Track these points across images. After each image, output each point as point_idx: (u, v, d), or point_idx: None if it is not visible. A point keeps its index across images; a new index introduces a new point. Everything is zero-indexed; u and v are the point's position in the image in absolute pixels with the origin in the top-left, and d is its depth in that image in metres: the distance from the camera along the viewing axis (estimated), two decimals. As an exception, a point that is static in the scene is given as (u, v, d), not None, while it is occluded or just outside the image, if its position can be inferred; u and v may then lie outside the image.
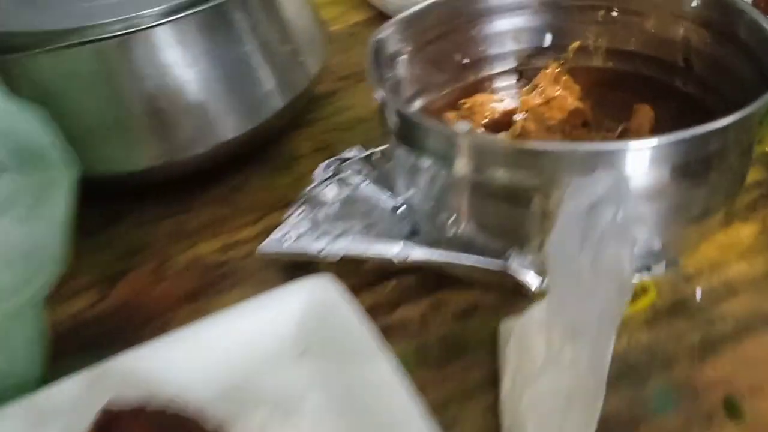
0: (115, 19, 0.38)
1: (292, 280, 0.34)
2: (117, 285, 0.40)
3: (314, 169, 0.42)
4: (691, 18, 0.42)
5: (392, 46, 0.42)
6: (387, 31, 0.41)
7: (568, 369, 0.27)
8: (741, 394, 0.30)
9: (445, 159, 0.35)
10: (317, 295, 0.34)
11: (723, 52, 0.40)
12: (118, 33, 0.38)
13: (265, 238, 0.39)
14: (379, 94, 0.36)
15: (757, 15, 0.38)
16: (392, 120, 0.37)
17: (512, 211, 0.35)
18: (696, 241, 0.36)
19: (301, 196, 0.41)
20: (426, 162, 0.36)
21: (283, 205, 0.42)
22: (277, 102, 0.44)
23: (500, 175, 0.34)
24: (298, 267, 0.38)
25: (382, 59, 0.41)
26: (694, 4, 0.41)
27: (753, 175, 0.40)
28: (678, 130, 0.41)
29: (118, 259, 0.42)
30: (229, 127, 0.43)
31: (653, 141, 0.32)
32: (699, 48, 0.42)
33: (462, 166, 0.34)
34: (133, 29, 0.38)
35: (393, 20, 0.42)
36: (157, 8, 0.39)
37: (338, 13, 0.63)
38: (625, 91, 0.45)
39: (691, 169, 0.33)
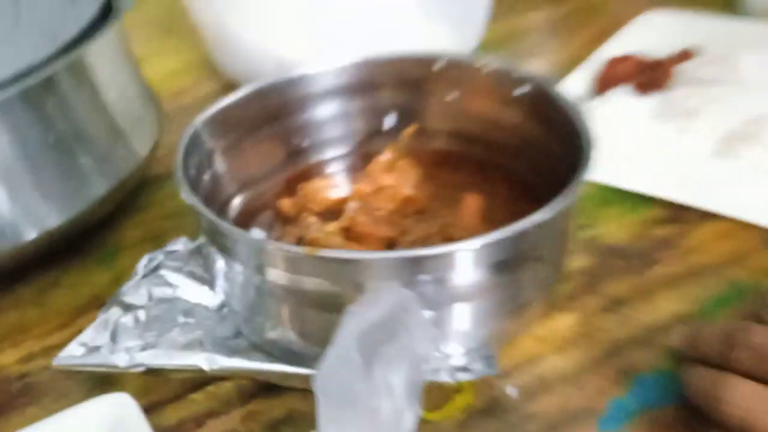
0: None
1: (94, 396, 0.32)
2: None
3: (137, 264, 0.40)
4: (518, 104, 0.43)
5: (213, 136, 0.41)
6: (204, 121, 0.40)
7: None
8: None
9: (253, 265, 0.33)
10: (111, 416, 0.31)
11: (545, 136, 0.41)
12: None
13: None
14: (186, 195, 0.35)
15: (567, 100, 0.38)
16: (203, 225, 0.35)
17: (326, 317, 0.33)
18: (513, 335, 0.36)
19: (116, 295, 0.38)
20: (237, 267, 0.34)
21: (99, 304, 0.39)
22: (97, 189, 0.42)
23: (308, 282, 0.32)
24: (97, 382, 0.36)
25: (199, 151, 0.39)
26: (519, 91, 0.42)
27: (577, 262, 0.41)
28: (506, 217, 0.42)
29: None
30: (39, 221, 0.40)
31: (452, 247, 0.31)
32: (527, 132, 0.43)
33: (271, 273, 0.33)
34: None
35: (215, 108, 0.40)
36: None
37: (189, 83, 0.62)
38: (462, 175, 0.45)
39: (509, 266, 0.33)
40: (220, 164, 0.41)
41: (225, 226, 0.34)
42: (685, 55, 0.51)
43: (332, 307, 0.32)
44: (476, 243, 0.31)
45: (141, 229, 0.46)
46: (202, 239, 0.37)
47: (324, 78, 0.44)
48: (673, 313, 0.37)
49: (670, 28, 0.59)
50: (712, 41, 0.53)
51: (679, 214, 0.43)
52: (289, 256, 0.32)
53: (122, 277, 0.41)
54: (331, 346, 0.26)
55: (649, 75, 0.51)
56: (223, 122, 0.41)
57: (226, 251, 0.34)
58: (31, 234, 0.40)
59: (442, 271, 0.31)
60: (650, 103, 0.50)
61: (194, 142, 0.39)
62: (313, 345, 0.34)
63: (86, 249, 0.44)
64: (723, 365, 0.30)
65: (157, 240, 0.44)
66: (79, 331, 0.38)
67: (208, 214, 0.35)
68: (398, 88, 0.46)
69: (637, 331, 0.37)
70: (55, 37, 0.41)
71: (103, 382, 0.35)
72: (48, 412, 0.32)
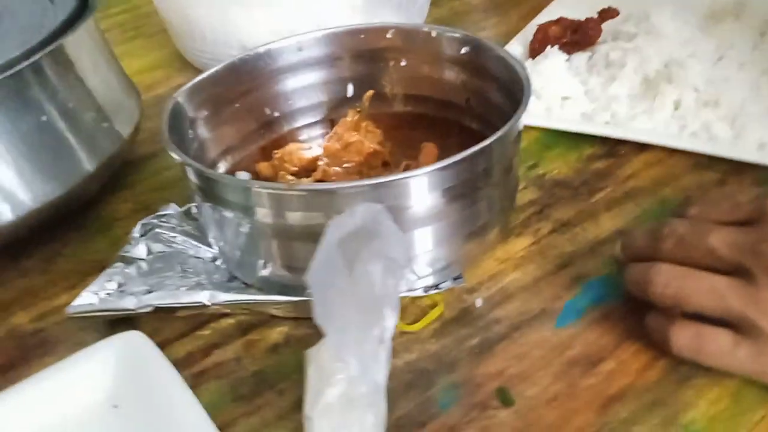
0: None
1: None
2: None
3: (131, 231, 0.44)
4: (463, 63, 0.48)
5: (193, 107, 0.45)
6: (186, 92, 0.44)
7: (347, 379, 0.30)
8: (512, 384, 0.34)
9: (245, 209, 0.37)
10: (126, 351, 0.35)
11: (489, 90, 0.46)
12: None
13: (83, 302, 0.40)
14: (177, 155, 0.39)
15: (501, 51, 0.44)
16: (193, 179, 0.39)
17: (311, 248, 0.37)
18: (476, 256, 0.41)
19: (118, 256, 0.42)
20: (228, 213, 0.38)
21: (101, 268, 0.43)
22: (85, 167, 0.45)
23: (295, 217, 0.37)
24: (114, 326, 0.39)
25: (182, 121, 0.43)
26: (462, 51, 0.47)
27: (527, 195, 0.46)
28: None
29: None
30: (34, 196, 0.43)
31: (418, 171, 0.36)
32: (474, 88, 0.48)
33: (261, 214, 0.37)
34: None
35: (187, 85, 0.44)
36: None
37: (163, 76, 0.66)
38: (420, 132, 0.50)
39: (460, 191, 0.37)
40: (202, 132, 0.45)
41: (214, 173, 0.38)
42: (608, 13, 0.57)
43: (316, 237, 0.37)
44: (429, 168, 0.35)
45: (131, 202, 0.50)
46: (194, 197, 0.41)
47: (289, 52, 0.49)
48: (614, 229, 0.43)
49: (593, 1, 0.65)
50: (628, 3, 0.59)
51: (614, 149, 0.49)
52: (274, 194, 0.37)
53: (119, 243, 0.45)
54: (317, 250, 0.30)
55: (578, 34, 0.57)
56: (201, 94, 0.45)
57: (216, 200, 0.38)
58: (29, 206, 0.43)
59: (403, 197, 0.36)
60: (581, 59, 0.56)
61: (177, 111, 0.43)
62: (301, 276, 0.38)
63: (83, 223, 0.48)
64: (653, 257, 0.35)
65: (146, 210, 0.47)
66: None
67: (198, 165, 0.39)
68: (356, 58, 0.50)
69: (584, 245, 0.42)
70: (38, 31, 0.45)
71: (113, 328, 0.38)
72: (63, 358, 0.35)
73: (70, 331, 0.40)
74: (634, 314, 0.37)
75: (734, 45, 0.52)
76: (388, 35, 0.50)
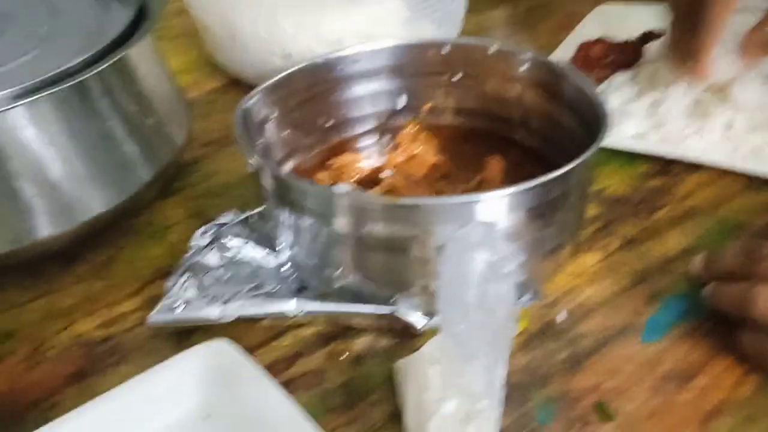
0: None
1: (184, 349, 0.34)
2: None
3: (188, 237, 0.42)
4: (523, 80, 0.48)
5: (259, 113, 0.44)
6: (253, 99, 0.43)
7: (466, 394, 0.30)
8: (609, 399, 0.34)
9: (326, 217, 0.37)
10: (216, 360, 0.34)
11: (552, 109, 0.47)
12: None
13: (148, 310, 0.38)
14: (254, 160, 0.38)
15: (576, 76, 0.44)
16: (269, 184, 0.39)
17: (393, 260, 0.37)
18: (552, 272, 0.41)
19: (182, 264, 0.41)
20: (307, 221, 0.37)
21: (161, 274, 0.42)
22: (144, 174, 0.44)
23: (379, 229, 0.36)
24: (185, 335, 0.38)
25: (250, 126, 0.43)
26: (523, 68, 0.48)
27: (590, 211, 0.47)
28: (521, 177, 0.47)
29: (-16, 349, 0.39)
30: (94, 203, 0.42)
31: (507, 191, 0.36)
32: (532, 106, 0.48)
33: (342, 223, 0.36)
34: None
35: (257, 89, 0.44)
36: (9, 90, 0.38)
37: (192, 80, 0.64)
38: (474, 145, 0.50)
39: (542, 210, 0.38)
40: (270, 134, 0.44)
41: (296, 180, 0.37)
42: (650, 36, 0.59)
43: (398, 250, 0.36)
44: (516, 188, 0.35)
45: (182, 207, 0.48)
46: (265, 202, 0.40)
47: (346, 63, 0.48)
48: (680, 248, 0.43)
49: (624, 17, 0.66)
50: (661, 26, 0.61)
51: (667, 168, 0.50)
52: (361, 205, 0.36)
53: (175, 250, 0.44)
54: (440, 266, 0.30)
55: (620, 54, 0.58)
56: (265, 101, 0.44)
57: (294, 206, 0.38)
58: (87, 215, 0.42)
59: (488, 215, 0.35)
60: (623, 78, 0.57)
61: (246, 116, 0.42)
62: (380, 286, 0.38)
63: (135, 228, 0.46)
64: (748, 276, 0.35)
65: (198, 216, 0.47)
66: (149, 298, 0.41)
67: (280, 172, 0.38)
68: (411, 71, 0.50)
69: (653, 262, 0.43)
70: (98, 37, 0.43)
71: (186, 336, 0.37)
72: (141, 368, 0.33)
73: (142, 339, 0.38)
74: (719, 331, 0.37)
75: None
76: (444, 50, 0.50)
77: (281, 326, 0.39)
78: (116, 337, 0.39)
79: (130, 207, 0.44)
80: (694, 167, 0.49)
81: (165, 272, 0.41)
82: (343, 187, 0.44)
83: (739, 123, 0.50)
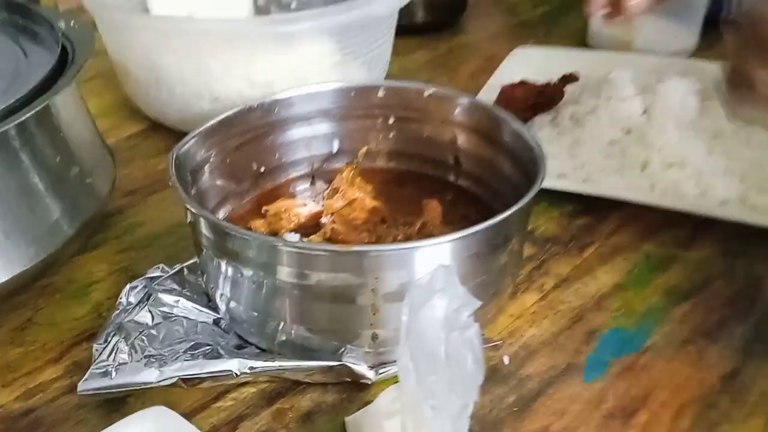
0: None
1: (115, 418, 0.32)
2: None
3: (114, 294, 0.40)
4: (458, 124, 0.49)
5: (193, 159, 0.43)
6: (187, 145, 0.42)
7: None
8: (560, 441, 0.35)
9: (268, 268, 0.36)
10: (155, 429, 0.32)
11: (487, 151, 0.47)
12: None
13: (73, 377, 0.36)
14: (193, 208, 0.36)
15: (516, 123, 0.45)
16: (207, 234, 0.37)
17: (340, 310, 0.36)
18: (495, 315, 0.41)
19: (109, 324, 0.38)
20: (248, 272, 0.36)
21: (86, 337, 0.39)
22: (66, 229, 0.41)
23: (324, 277, 0.35)
24: (116, 402, 0.36)
25: (183, 173, 0.41)
26: (458, 111, 0.48)
27: (525, 251, 0.47)
28: (456, 219, 0.48)
29: None
30: (12, 262, 0.39)
31: (455, 235, 0.36)
32: (467, 148, 0.49)
33: (285, 273, 0.35)
34: None
35: (192, 134, 0.42)
36: None
37: (110, 125, 0.62)
38: (410, 188, 0.50)
39: (486, 254, 0.38)
40: (204, 181, 0.43)
41: (238, 230, 0.36)
42: (570, 78, 0.61)
43: (345, 298, 0.36)
44: (461, 233, 0.35)
45: (106, 262, 0.46)
46: (200, 253, 0.38)
47: (281, 107, 0.48)
48: (611, 283, 0.45)
49: (540, 60, 0.69)
50: (575, 68, 0.64)
51: (592, 205, 0.51)
52: (303, 253, 0.35)
53: (100, 309, 0.41)
54: (403, 315, 0.29)
55: (542, 97, 0.60)
56: (197, 148, 0.43)
57: (234, 257, 0.36)
58: (3, 276, 0.38)
59: (438, 260, 0.35)
60: (544, 120, 0.59)
61: (179, 165, 0.40)
62: (326, 338, 0.37)
63: (55, 288, 0.43)
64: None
65: (124, 271, 0.44)
66: (73, 364, 0.38)
67: (219, 221, 0.37)
68: (345, 114, 0.50)
69: (588, 299, 0.44)
70: (15, 82, 0.41)
71: (117, 403, 0.35)
72: None
73: (68, 410, 0.36)
74: (655, 364, 0.39)
75: (685, 107, 0.57)
76: (379, 94, 0.50)
77: (221, 387, 0.37)
78: (39, 409, 0.36)
79: (49, 266, 0.41)
80: (616, 204, 0.51)
81: (90, 334, 0.39)
82: (292, 237, 0.43)
83: (653, 162, 0.53)
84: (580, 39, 0.77)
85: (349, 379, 0.37)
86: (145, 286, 0.41)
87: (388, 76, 0.68)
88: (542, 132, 0.58)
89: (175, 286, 0.41)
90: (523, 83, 0.61)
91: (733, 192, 0.51)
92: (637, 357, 0.40)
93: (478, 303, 0.35)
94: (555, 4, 0.87)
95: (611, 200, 0.51)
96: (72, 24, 0.45)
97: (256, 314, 0.38)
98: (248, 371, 0.36)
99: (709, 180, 0.51)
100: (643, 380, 0.38)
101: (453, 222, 0.46)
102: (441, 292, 0.30)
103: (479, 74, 0.68)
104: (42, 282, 0.43)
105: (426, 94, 0.49)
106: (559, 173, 0.54)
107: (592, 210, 0.51)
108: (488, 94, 0.63)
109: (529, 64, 0.67)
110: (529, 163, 0.42)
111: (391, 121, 0.51)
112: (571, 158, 0.55)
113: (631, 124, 0.56)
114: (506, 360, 0.39)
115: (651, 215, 0.50)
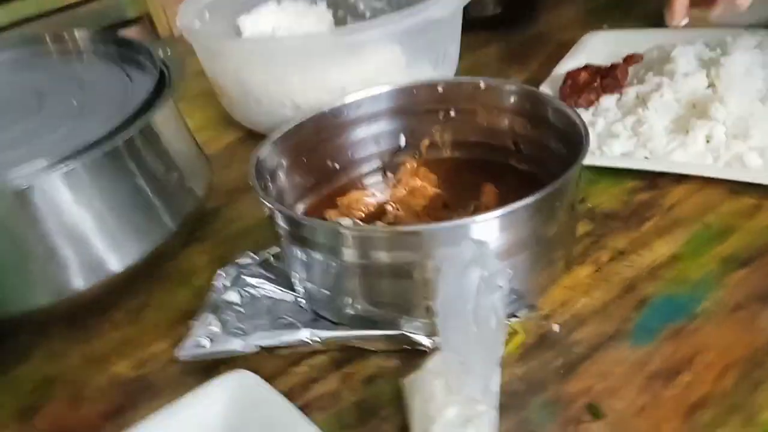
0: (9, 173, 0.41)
1: (211, 381, 0.38)
2: (34, 418, 0.42)
3: (213, 280, 0.46)
4: (512, 110, 0.52)
5: (271, 162, 0.48)
6: (264, 150, 0.48)
7: (466, 400, 0.33)
8: (600, 399, 0.37)
9: (334, 251, 0.41)
10: (238, 388, 0.37)
11: (540, 135, 0.50)
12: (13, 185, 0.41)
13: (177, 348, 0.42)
14: (268, 204, 0.42)
15: (559, 103, 0.48)
16: (282, 225, 0.43)
17: (398, 285, 0.41)
18: (547, 286, 0.44)
19: (206, 303, 0.45)
20: (318, 256, 0.41)
21: (189, 316, 0.46)
22: (169, 226, 0.48)
23: (383, 257, 0.40)
24: (212, 368, 0.41)
25: (263, 173, 0.47)
26: (511, 100, 0.51)
27: (582, 227, 0.50)
28: (514, 200, 0.50)
29: (32, 393, 0.43)
30: (125, 255, 0.46)
31: (495, 213, 0.39)
32: (522, 133, 0.52)
33: (349, 255, 0.40)
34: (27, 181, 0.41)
35: (268, 140, 0.48)
36: (48, 159, 0.42)
37: (212, 135, 0.69)
38: (471, 175, 0.53)
39: (532, 229, 0.41)
40: (282, 179, 0.48)
41: (306, 219, 0.41)
42: (633, 59, 0.62)
43: (402, 275, 0.40)
44: (504, 210, 0.38)
45: (206, 253, 0.53)
46: (279, 242, 0.44)
47: (350, 109, 0.53)
48: (668, 254, 0.46)
49: (610, 44, 0.69)
50: (644, 49, 0.64)
51: (654, 182, 0.53)
52: (365, 236, 0.40)
53: (201, 293, 0.48)
54: (438, 283, 0.33)
55: (607, 79, 0.61)
56: (276, 150, 0.49)
57: (306, 243, 0.42)
58: (119, 265, 0.46)
59: (485, 235, 0.39)
60: (611, 101, 0.61)
61: (260, 165, 0.46)
62: (387, 311, 0.41)
63: (165, 275, 0.51)
64: None
65: (221, 260, 0.50)
66: (178, 338, 0.45)
67: (291, 213, 0.42)
68: (409, 111, 0.54)
69: (642, 270, 0.45)
70: (124, 105, 0.48)
71: (212, 370, 0.41)
72: (172, 401, 0.37)
73: (173, 375, 0.42)
74: (703, 330, 0.40)
75: (750, 79, 0.57)
76: (439, 89, 0.54)
77: (297, 354, 0.42)
78: (149, 376, 0.43)
79: (158, 256, 0.49)
80: (679, 179, 0.52)
81: (192, 314, 0.45)
82: (347, 221, 0.48)
83: (718, 134, 0.53)
84: (659, 17, 0.77)
85: (408, 347, 0.41)
86: (235, 271, 0.47)
87: (460, 71, 0.72)
88: (608, 113, 0.60)
89: (261, 271, 0.47)
90: (587, 67, 0.63)
91: (799, 161, 0.50)
92: (687, 322, 0.41)
93: (509, 272, 0.38)
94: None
95: (675, 175, 0.52)
96: (168, 52, 0.52)
97: (327, 292, 0.43)
98: (318, 339, 0.41)
99: (775, 149, 0.51)
100: (690, 344, 0.40)
101: (510, 203, 0.49)
102: (473, 263, 0.34)
103: (550, 62, 0.70)
104: (154, 271, 0.50)
105: (481, 86, 0.52)
106: (623, 152, 0.56)
107: (654, 186, 0.53)
108: (555, 80, 0.65)
109: (599, 48, 0.69)
110: (576, 141, 0.44)
111: (452, 114, 0.54)
112: (635, 136, 0.56)
113: (695, 99, 0.56)
114: (556, 328, 0.42)
115: (714, 188, 0.51)
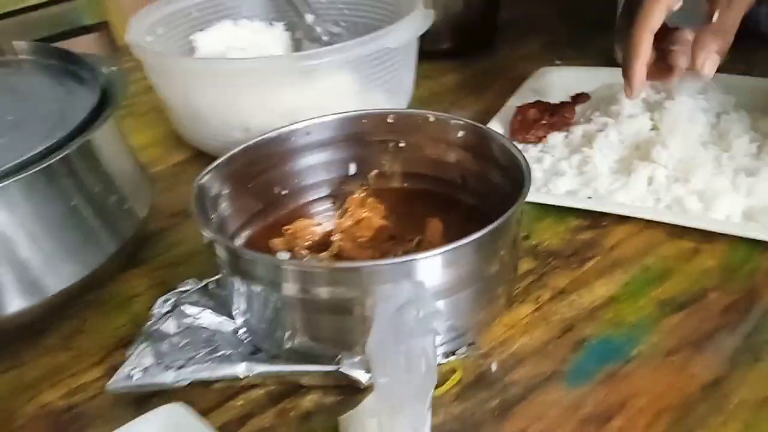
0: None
1: (143, 414, 0.37)
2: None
3: (151, 306, 0.45)
4: (459, 144, 0.52)
5: (215, 187, 0.48)
6: (207, 175, 0.47)
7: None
8: (535, 443, 0.37)
9: (274, 284, 0.40)
10: (172, 423, 0.36)
11: (486, 170, 0.51)
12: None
13: (110, 378, 0.41)
14: (208, 233, 0.41)
15: (504, 140, 0.48)
16: (223, 254, 0.42)
17: (337, 321, 0.40)
18: (487, 324, 0.44)
19: (142, 333, 0.44)
20: (257, 288, 0.41)
21: (124, 344, 0.45)
22: (107, 249, 0.47)
23: (322, 292, 0.39)
24: (146, 400, 0.40)
25: (206, 200, 0.46)
26: (459, 134, 0.52)
27: (525, 264, 0.50)
28: (463, 236, 0.51)
29: (-46, 424, 0.41)
30: (61, 278, 0.45)
31: (439, 250, 0.39)
32: (469, 167, 0.52)
33: (289, 289, 0.40)
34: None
35: (211, 166, 0.47)
36: None
37: (160, 154, 0.68)
38: (419, 207, 0.54)
39: (474, 266, 0.41)
40: (222, 210, 0.48)
41: (246, 252, 0.40)
42: (581, 98, 0.63)
43: (341, 311, 0.40)
44: (448, 247, 0.39)
45: (146, 278, 0.51)
46: (222, 271, 0.43)
47: (298, 135, 0.52)
48: (606, 295, 0.47)
49: (561, 80, 0.71)
50: (594, 87, 0.66)
51: (597, 221, 0.54)
52: (305, 271, 0.40)
53: (138, 319, 0.47)
54: (374, 322, 0.33)
55: (555, 117, 0.62)
56: (220, 176, 0.48)
57: (246, 275, 0.41)
58: (53, 288, 0.45)
59: (426, 272, 0.39)
60: (558, 138, 0.62)
61: (201, 192, 0.46)
62: (327, 346, 0.41)
63: (101, 300, 0.49)
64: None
65: (162, 286, 0.50)
66: (111, 367, 0.43)
67: (231, 244, 0.41)
68: (359, 140, 0.54)
69: (581, 311, 0.46)
70: (61, 120, 0.47)
71: (145, 403, 0.40)
72: None
73: (105, 406, 0.41)
74: (637, 374, 0.41)
75: (693, 124, 0.58)
76: (389, 120, 0.54)
77: (234, 388, 0.41)
78: (80, 406, 0.41)
79: (95, 280, 0.47)
80: (621, 219, 0.53)
81: (128, 341, 0.44)
82: (284, 255, 0.48)
83: (659, 177, 0.54)
84: (612, 57, 0.79)
85: (345, 383, 0.40)
86: (174, 299, 0.46)
87: (415, 100, 0.72)
88: (556, 150, 0.61)
89: (201, 299, 0.46)
90: (537, 103, 0.64)
91: (737, 207, 0.52)
92: (621, 366, 0.42)
93: (445, 314, 0.39)
94: (588, 23, 0.88)
95: (617, 215, 0.53)
96: (113, 68, 0.51)
97: (266, 325, 0.42)
98: (254, 374, 0.40)
99: (713, 195, 0.52)
100: (624, 388, 0.40)
101: (456, 238, 0.50)
102: (408, 304, 0.34)
103: (506, 95, 0.71)
104: (89, 296, 0.49)
105: (430, 119, 0.53)
106: (568, 190, 0.57)
107: (597, 225, 0.54)
108: (506, 114, 0.66)
109: (550, 84, 0.70)
110: (518, 177, 0.45)
111: (402, 144, 0.54)
112: (580, 175, 0.57)
113: (639, 140, 0.58)
114: (494, 367, 0.42)
115: (654, 230, 0.52)
